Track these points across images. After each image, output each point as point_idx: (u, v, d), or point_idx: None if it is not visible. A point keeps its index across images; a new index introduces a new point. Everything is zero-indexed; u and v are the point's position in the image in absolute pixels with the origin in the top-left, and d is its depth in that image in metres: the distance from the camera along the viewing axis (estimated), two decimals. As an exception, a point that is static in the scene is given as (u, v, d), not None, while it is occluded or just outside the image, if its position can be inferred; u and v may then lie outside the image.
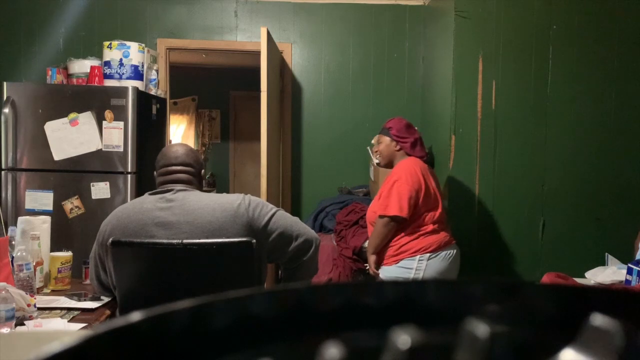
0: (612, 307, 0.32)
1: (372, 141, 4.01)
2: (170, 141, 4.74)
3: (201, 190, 1.99)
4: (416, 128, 2.92)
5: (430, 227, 2.68)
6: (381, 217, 2.64)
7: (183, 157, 1.99)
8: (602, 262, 3.00)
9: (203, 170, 2.05)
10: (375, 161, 2.94)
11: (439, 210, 2.76)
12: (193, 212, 1.82)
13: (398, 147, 2.79)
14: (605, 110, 3.33)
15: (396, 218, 2.61)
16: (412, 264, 2.64)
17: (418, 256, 2.63)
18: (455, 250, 2.76)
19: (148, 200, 1.89)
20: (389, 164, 2.84)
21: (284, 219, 1.92)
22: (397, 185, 2.61)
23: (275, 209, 1.94)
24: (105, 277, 1.97)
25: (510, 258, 3.35)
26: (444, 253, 2.68)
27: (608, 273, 2.52)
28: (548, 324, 0.32)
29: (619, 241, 3.19)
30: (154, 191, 1.93)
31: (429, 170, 2.79)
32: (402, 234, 2.67)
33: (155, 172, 2.01)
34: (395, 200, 2.59)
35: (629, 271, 2.30)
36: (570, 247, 3.32)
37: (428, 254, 2.64)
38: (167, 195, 1.88)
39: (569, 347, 0.26)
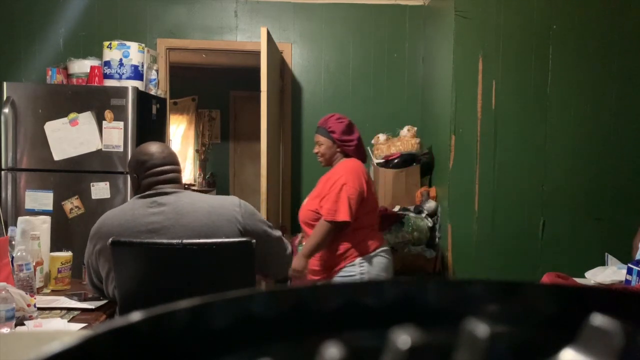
0: (612, 307, 0.32)
1: (372, 141, 4.02)
2: (170, 141, 4.73)
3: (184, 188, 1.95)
4: (355, 125, 2.77)
5: (368, 230, 2.64)
6: (328, 222, 2.50)
7: (170, 157, 1.92)
8: (602, 262, 3.00)
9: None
10: (319, 161, 2.81)
11: (376, 212, 2.73)
12: (187, 214, 1.78)
13: (339, 149, 2.67)
14: (605, 110, 3.33)
15: (343, 224, 2.52)
16: (354, 270, 2.58)
17: (358, 260, 2.58)
18: (388, 248, 2.74)
19: (138, 205, 1.83)
20: (329, 165, 2.73)
21: (271, 247, 1.93)
22: (345, 189, 2.51)
23: (269, 229, 1.93)
24: (99, 284, 1.95)
25: (510, 258, 3.35)
26: (380, 254, 2.65)
27: (608, 273, 2.52)
28: (548, 324, 0.32)
29: (619, 241, 3.19)
30: (142, 194, 1.85)
31: (367, 172, 2.74)
32: (342, 241, 2.57)
33: (136, 175, 1.89)
34: (346, 206, 2.49)
35: (629, 271, 2.30)
36: (570, 247, 3.32)
37: (367, 256, 2.59)
38: (159, 198, 1.82)
39: (569, 347, 0.26)
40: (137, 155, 1.93)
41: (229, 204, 1.85)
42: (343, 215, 2.49)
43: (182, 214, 1.79)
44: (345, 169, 2.59)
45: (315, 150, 2.74)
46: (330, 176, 2.63)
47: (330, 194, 2.53)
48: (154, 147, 1.93)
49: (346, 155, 2.69)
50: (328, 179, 2.62)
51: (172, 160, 1.92)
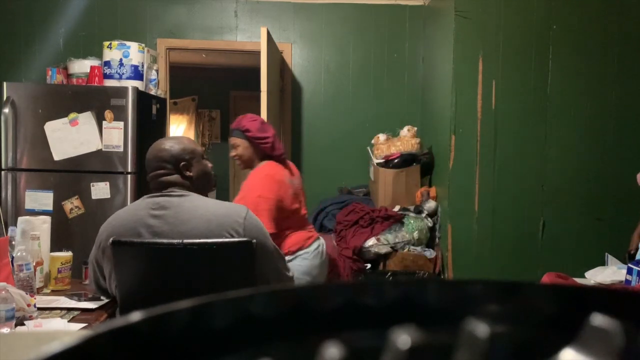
0: (612, 307, 0.32)
1: (372, 141, 4.01)
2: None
3: (198, 183, 1.87)
4: (268, 123, 2.70)
5: (292, 229, 2.54)
6: None
7: (175, 156, 1.84)
8: (602, 262, 3.00)
9: (202, 163, 1.90)
10: (238, 165, 2.66)
11: (298, 213, 2.62)
12: (187, 222, 1.75)
13: (256, 149, 2.58)
14: (605, 110, 3.33)
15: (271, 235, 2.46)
16: None
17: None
18: (318, 244, 2.61)
19: (142, 206, 1.81)
20: (249, 167, 2.63)
21: (271, 264, 1.87)
22: (261, 201, 2.39)
23: (273, 247, 1.88)
24: (103, 282, 1.94)
25: (510, 258, 3.35)
26: (306, 250, 2.55)
27: (608, 273, 2.52)
28: (548, 324, 0.32)
29: (619, 241, 3.19)
30: (150, 195, 1.84)
31: (290, 168, 2.65)
32: None
33: (147, 175, 1.88)
34: (267, 218, 2.35)
35: (629, 271, 2.30)
36: (570, 247, 3.32)
37: (289, 257, 2.49)
38: (162, 200, 1.79)
39: (569, 347, 0.26)
40: (148, 153, 1.89)
41: (233, 214, 1.80)
42: (268, 228, 2.35)
43: (182, 221, 1.75)
44: (258, 178, 2.48)
45: (232, 154, 2.63)
46: (245, 184, 2.53)
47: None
48: (163, 145, 1.87)
49: (264, 155, 2.58)
50: (244, 189, 2.50)
51: (177, 159, 1.85)
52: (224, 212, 1.80)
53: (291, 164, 2.76)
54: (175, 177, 1.85)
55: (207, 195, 1.93)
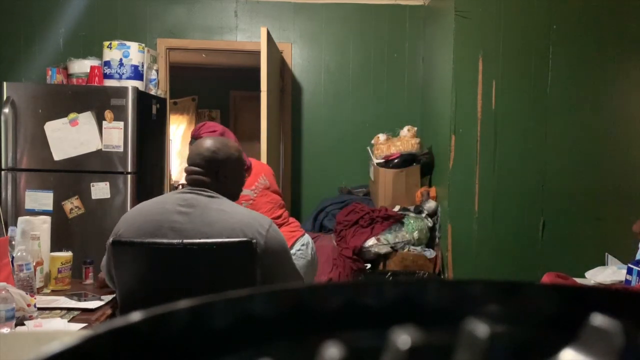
0: (612, 307, 0.32)
1: (372, 141, 4.01)
2: (170, 141, 4.73)
3: (227, 192, 1.85)
4: (227, 131, 2.54)
5: None
6: None
7: (218, 160, 1.84)
8: (602, 262, 3.00)
9: (240, 175, 1.91)
10: None
11: (270, 211, 2.54)
12: (210, 224, 1.75)
13: None
14: (605, 110, 3.33)
15: None
16: None
17: None
18: (301, 244, 2.54)
19: (171, 199, 1.81)
20: None
21: (285, 272, 1.85)
22: None
23: (290, 264, 1.87)
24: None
25: (510, 258, 3.35)
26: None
27: (608, 273, 2.52)
28: (548, 324, 0.32)
29: (619, 241, 3.19)
30: (180, 190, 1.85)
31: (251, 174, 2.55)
32: None
33: (186, 166, 1.89)
34: None
35: (629, 271, 2.30)
36: (570, 247, 3.32)
37: None
38: (191, 197, 1.78)
39: (569, 347, 0.26)
40: (193, 145, 1.91)
41: (256, 224, 1.78)
42: None
43: (206, 223, 1.75)
44: None
45: None
46: None
47: None
48: (202, 144, 1.88)
49: None
50: None
51: (212, 161, 1.84)
52: (247, 220, 1.79)
53: (258, 168, 2.64)
54: (208, 179, 1.84)
55: None
